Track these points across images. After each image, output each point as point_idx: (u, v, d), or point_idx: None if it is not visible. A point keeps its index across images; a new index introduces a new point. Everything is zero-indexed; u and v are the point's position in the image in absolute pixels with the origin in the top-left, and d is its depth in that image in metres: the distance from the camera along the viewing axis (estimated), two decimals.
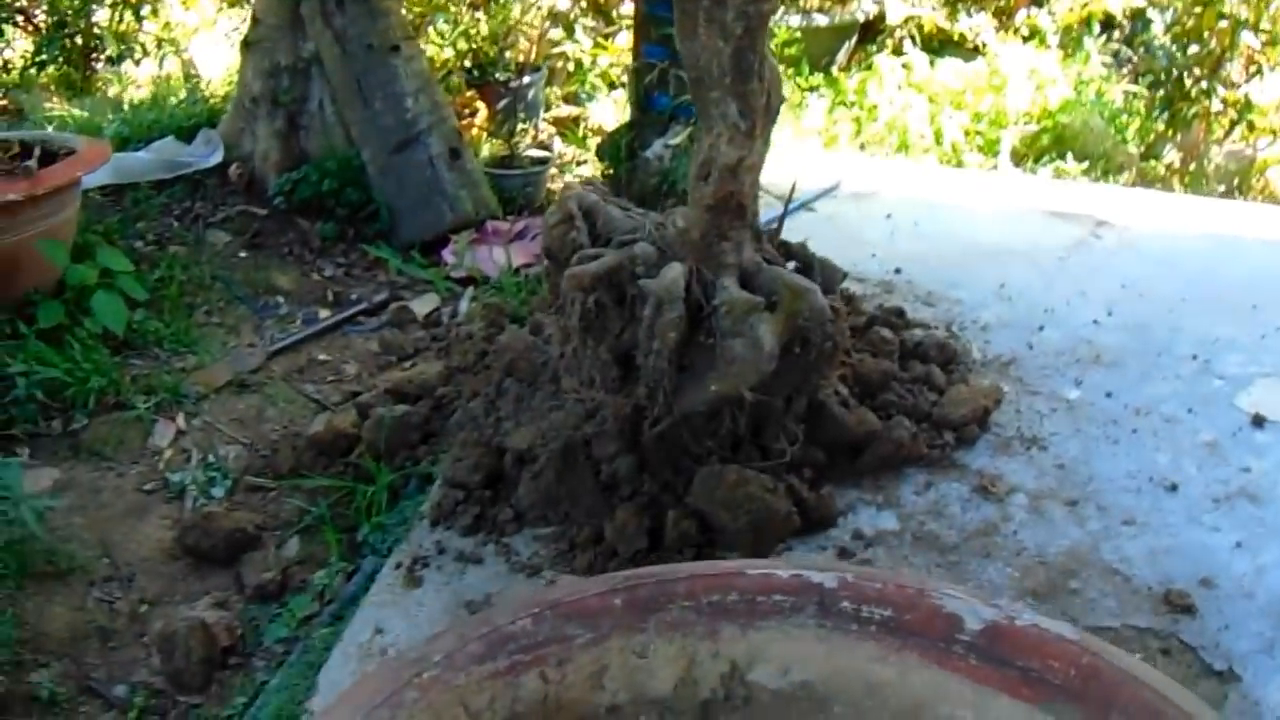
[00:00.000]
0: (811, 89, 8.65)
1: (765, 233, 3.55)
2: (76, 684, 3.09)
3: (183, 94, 8.09)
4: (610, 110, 7.71)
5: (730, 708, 1.74)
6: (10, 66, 7.47)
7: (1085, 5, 8.69)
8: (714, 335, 3.12)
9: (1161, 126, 7.56)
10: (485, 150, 6.61)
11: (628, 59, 6.65)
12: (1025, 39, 8.84)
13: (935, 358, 4.03)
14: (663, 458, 3.31)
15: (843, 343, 3.43)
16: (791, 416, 3.37)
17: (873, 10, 9.26)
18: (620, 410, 3.21)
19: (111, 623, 3.30)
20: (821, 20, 8.97)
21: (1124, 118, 7.81)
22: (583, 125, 7.50)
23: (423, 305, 5.04)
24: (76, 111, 7.53)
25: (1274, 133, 7.54)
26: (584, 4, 8.59)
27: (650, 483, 3.30)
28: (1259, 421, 3.85)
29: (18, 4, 7.92)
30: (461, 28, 7.58)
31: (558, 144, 7.24)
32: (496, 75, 7.08)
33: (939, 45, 9.11)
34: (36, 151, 4.42)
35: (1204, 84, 7.40)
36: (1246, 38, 7.39)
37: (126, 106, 8.03)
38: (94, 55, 8.60)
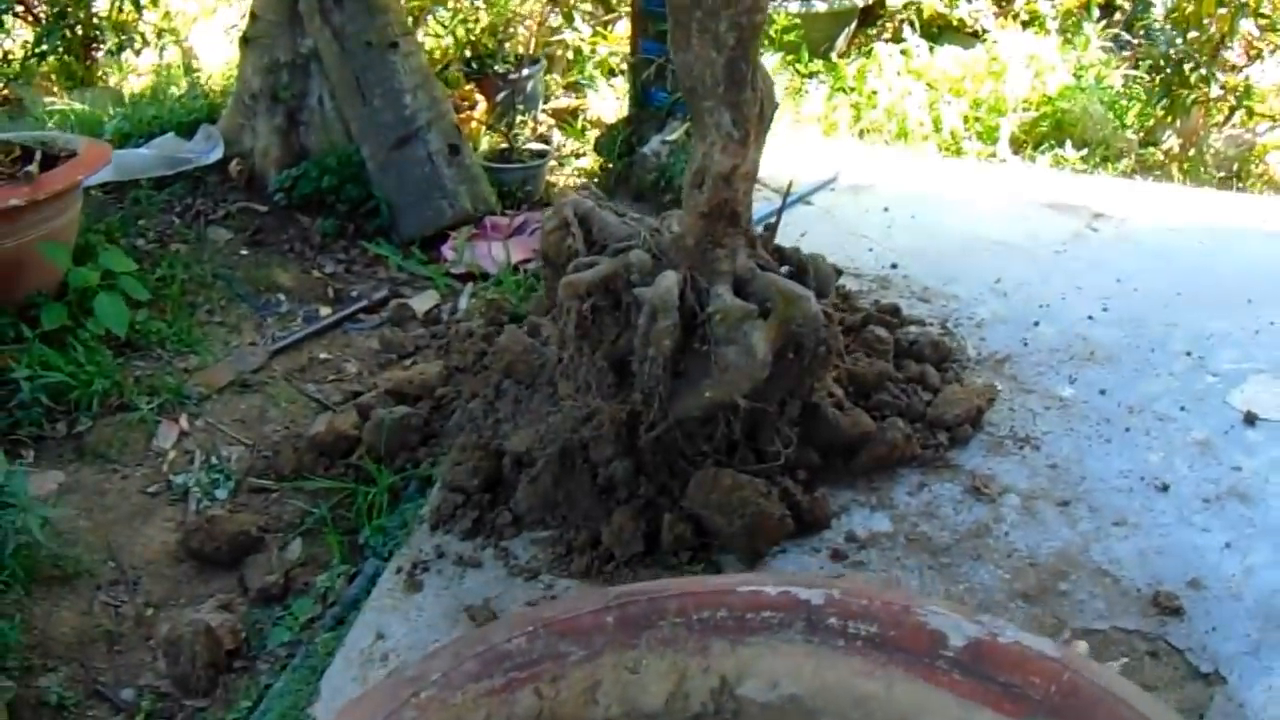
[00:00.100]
0: (811, 75, 8.64)
1: (760, 237, 3.59)
2: (84, 688, 3.14)
3: (183, 84, 8.11)
4: (610, 99, 7.72)
5: None
6: (11, 57, 7.48)
7: None
8: (708, 342, 3.16)
9: (1161, 113, 7.55)
10: (484, 143, 6.63)
11: (627, 47, 6.66)
12: (1025, 24, 8.84)
13: (930, 356, 4.07)
14: (659, 461, 3.35)
15: (836, 347, 3.47)
16: (786, 420, 3.42)
17: None
18: (616, 416, 3.25)
19: (118, 626, 3.35)
20: (821, 6, 8.94)
21: (1124, 103, 7.81)
22: (582, 117, 7.51)
23: (423, 302, 5.08)
24: (77, 105, 7.54)
25: (1274, 118, 7.55)
26: None
27: (647, 486, 3.34)
28: (1251, 419, 3.88)
29: None
30: (460, 16, 7.60)
31: (556, 136, 7.26)
32: (495, 68, 7.08)
33: (938, 30, 9.11)
34: (38, 155, 4.44)
35: (1203, 70, 7.39)
36: (1246, 25, 7.39)
37: (127, 97, 8.05)
38: (94, 45, 8.62)
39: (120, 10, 7.83)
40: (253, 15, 5.91)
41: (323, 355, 4.73)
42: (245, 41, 5.96)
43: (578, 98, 7.99)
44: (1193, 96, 7.33)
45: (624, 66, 7.24)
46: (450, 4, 7.62)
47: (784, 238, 4.67)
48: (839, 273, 4.48)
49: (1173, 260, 5.12)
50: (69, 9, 7.71)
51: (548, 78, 7.98)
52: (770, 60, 8.29)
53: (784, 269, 3.58)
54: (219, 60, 8.64)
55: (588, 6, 8.60)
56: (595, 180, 6.46)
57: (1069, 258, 5.18)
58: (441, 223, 5.60)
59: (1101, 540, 3.30)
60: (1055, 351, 4.33)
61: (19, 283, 4.35)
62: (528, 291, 4.85)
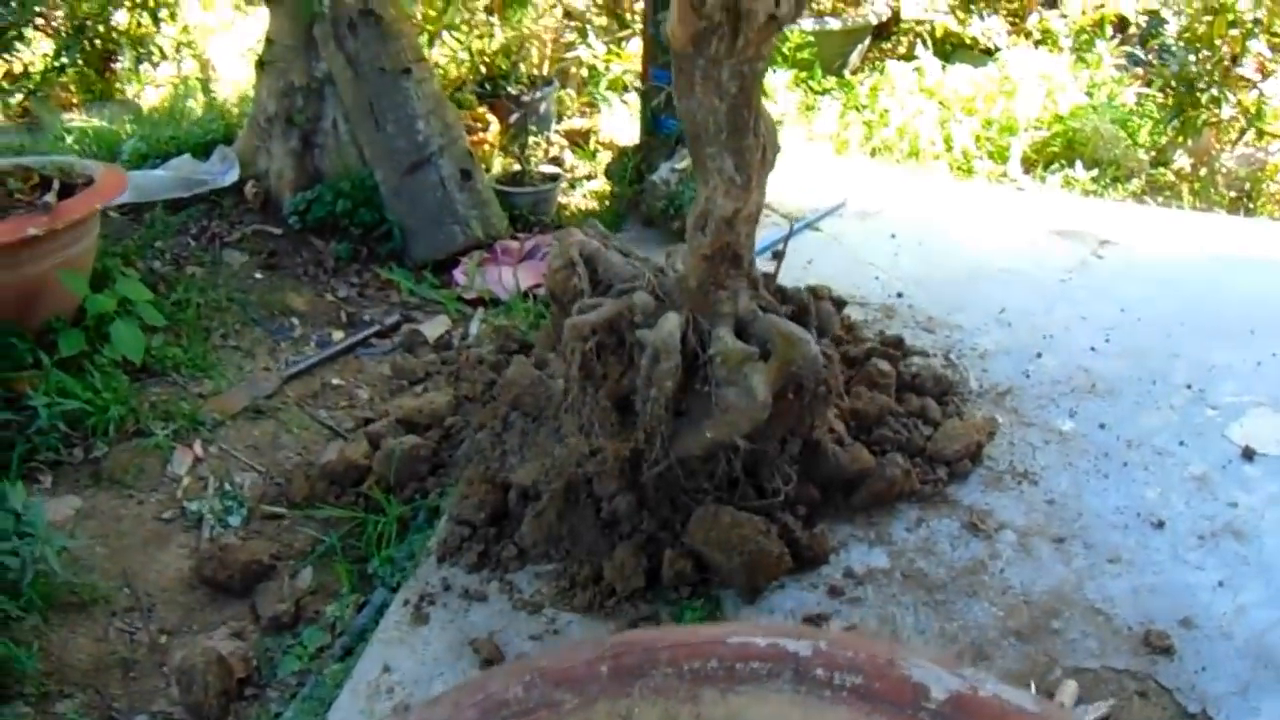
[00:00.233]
0: (824, 92, 8.71)
1: (763, 275, 3.65)
2: (100, 714, 3.21)
3: (200, 98, 8.21)
4: (624, 117, 7.77)
5: None
6: (30, 70, 7.58)
7: (1099, 7, 8.73)
8: (710, 383, 3.23)
9: (1172, 133, 7.58)
10: (497, 166, 6.69)
11: (639, 66, 6.72)
12: (1038, 42, 8.88)
13: (931, 390, 4.12)
14: (661, 497, 3.42)
15: (836, 386, 3.53)
16: (786, 457, 3.48)
17: (885, 13, 9.31)
18: (619, 454, 3.31)
19: (132, 653, 3.42)
20: (834, 23, 9.01)
21: (1136, 121, 7.84)
22: (593, 139, 7.57)
23: (434, 327, 5.15)
24: (95, 121, 7.64)
25: None
26: (598, 3, 8.67)
27: (649, 521, 3.41)
28: (1249, 454, 3.93)
29: (38, 8, 8.01)
30: (476, 31, 7.66)
31: (569, 157, 7.32)
32: (508, 89, 7.15)
33: (951, 48, 9.16)
34: (55, 185, 4.51)
35: (1214, 91, 7.42)
36: (1257, 45, 7.41)
37: (145, 110, 8.15)
38: (113, 58, 8.72)
39: (139, 24, 7.93)
40: (268, 40, 5.98)
41: (335, 381, 4.79)
42: (261, 65, 6.03)
43: (590, 118, 8.05)
44: (1204, 117, 7.36)
45: (638, 83, 7.31)
46: (464, 25, 7.68)
47: (792, 265, 4.76)
48: (843, 304, 4.54)
49: (1177, 288, 5.16)
50: (88, 23, 7.80)
51: (562, 93, 8.04)
52: (783, 77, 8.35)
53: (786, 308, 3.63)
54: (237, 72, 8.73)
55: (602, 21, 8.68)
56: (606, 205, 6.52)
57: (1074, 286, 5.23)
58: (453, 248, 5.68)
59: (1095, 578, 3.35)
60: (1057, 383, 4.38)
61: (37, 309, 4.42)
62: (537, 319, 4.92)
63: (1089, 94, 7.92)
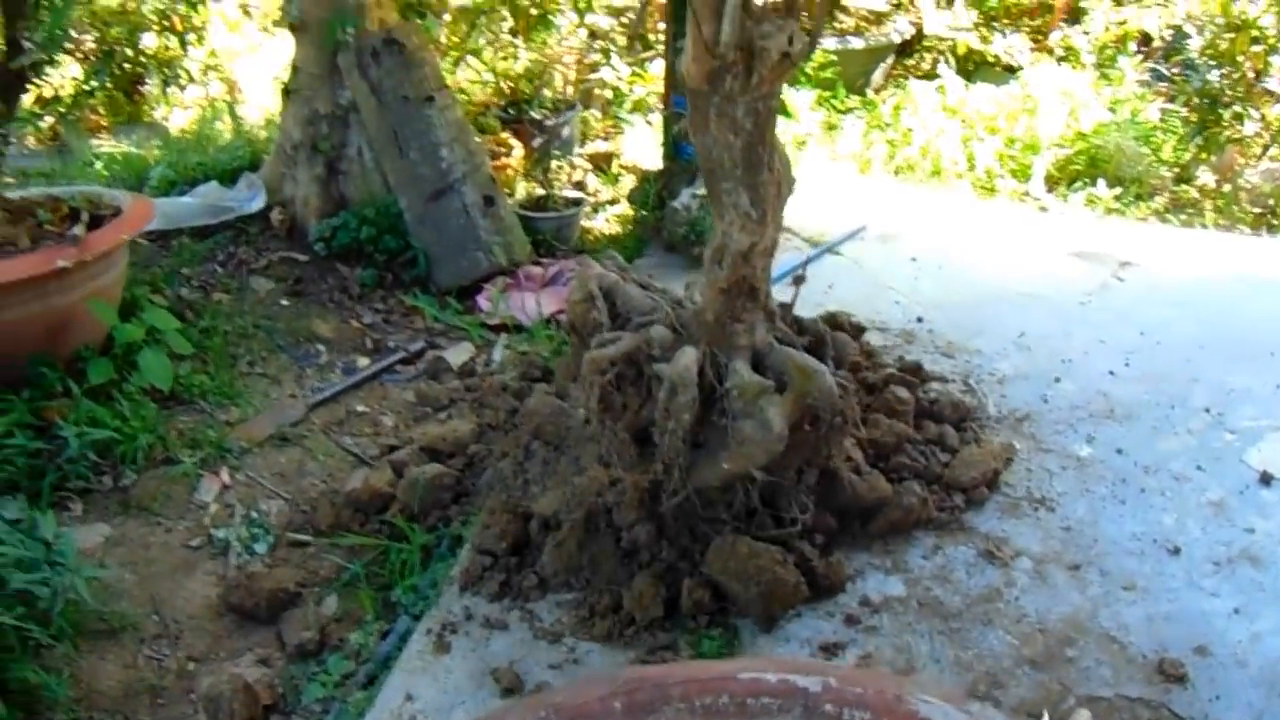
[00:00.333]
0: (847, 111, 8.75)
1: (780, 306, 3.69)
2: None
3: (227, 120, 8.31)
4: (647, 139, 7.81)
5: None
6: (61, 94, 7.70)
7: (1122, 24, 8.74)
8: (727, 415, 3.27)
9: (1195, 149, 7.59)
10: (520, 191, 6.76)
11: (662, 88, 6.78)
12: (1060, 59, 8.90)
13: (949, 417, 4.15)
14: (680, 526, 3.46)
15: (852, 417, 3.56)
16: (803, 487, 3.52)
17: (908, 31, 9.35)
18: (639, 484, 3.35)
19: (160, 680, 3.47)
20: (857, 43, 9.05)
21: (1159, 136, 7.85)
22: (616, 162, 7.62)
23: (458, 354, 5.20)
24: (124, 147, 7.74)
25: None
26: (622, 22, 8.74)
27: (669, 550, 3.45)
28: (1266, 480, 3.94)
29: (66, 44, 8.13)
30: (501, 53, 7.74)
31: (592, 180, 7.37)
32: (532, 114, 7.22)
33: (974, 66, 9.19)
34: (84, 217, 4.59)
35: (1237, 107, 7.42)
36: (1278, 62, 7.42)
37: (173, 133, 8.25)
38: (141, 81, 8.86)
39: (166, 48, 8.05)
40: (294, 67, 6.07)
41: (360, 408, 4.85)
42: (286, 93, 6.12)
43: (613, 141, 8.11)
44: (1227, 133, 7.36)
45: (661, 105, 7.37)
46: (489, 46, 7.76)
47: (813, 290, 4.81)
48: (862, 330, 4.58)
49: (1197, 311, 5.18)
50: (116, 47, 7.92)
51: (586, 114, 8.10)
52: (807, 97, 8.39)
53: (803, 339, 3.67)
54: (264, 94, 8.83)
55: (623, 40, 8.74)
56: (628, 229, 6.57)
57: (1094, 309, 5.25)
58: (477, 274, 5.74)
59: (1110, 605, 3.37)
60: (1075, 409, 4.40)
61: (67, 338, 4.49)
62: (560, 344, 4.97)
63: (1112, 110, 7.93)
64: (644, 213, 6.35)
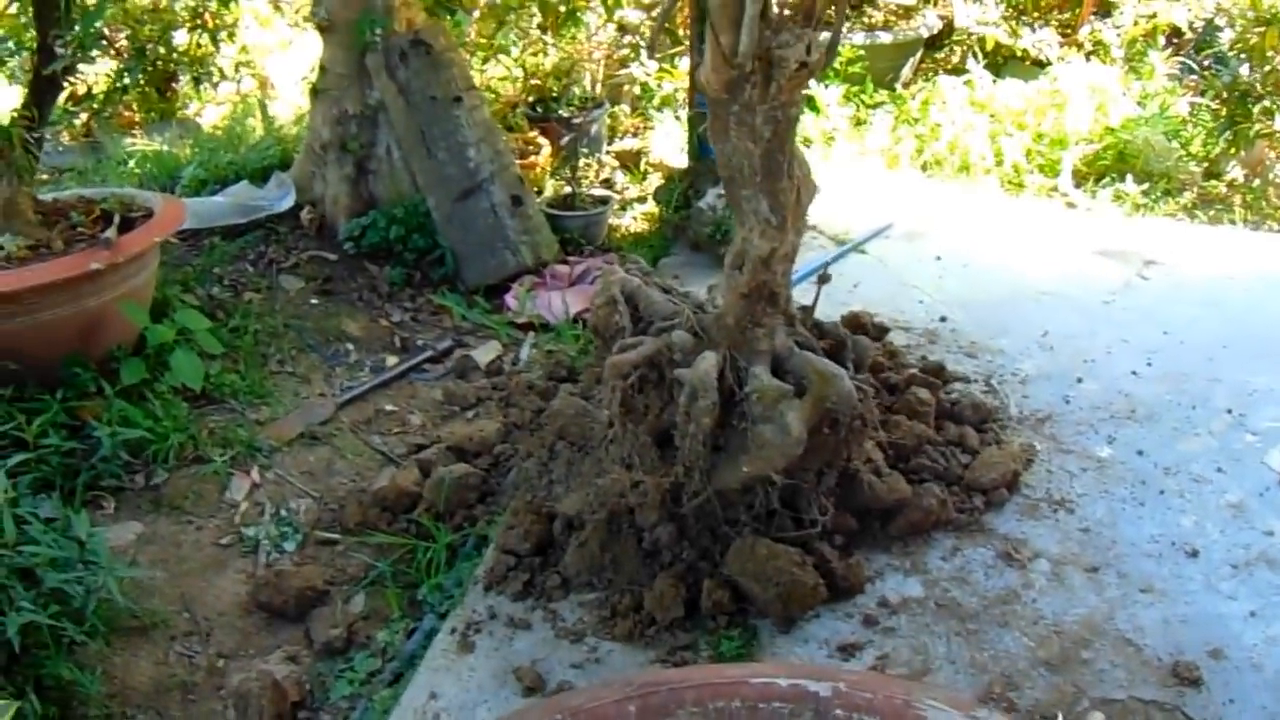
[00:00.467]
0: (875, 106, 8.76)
1: (800, 309, 3.72)
2: None
3: (258, 116, 8.38)
4: (675, 136, 7.83)
5: None
6: (94, 91, 7.77)
7: (1152, 17, 8.71)
8: (746, 419, 3.31)
9: (1224, 144, 7.56)
10: (548, 189, 6.81)
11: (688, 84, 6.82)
12: (1089, 54, 8.87)
13: (970, 418, 4.18)
14: (701, 527, 3.51)
15: (871, 420, 3.59)
16: (823, 488, 3.55)
17: (936, 25, 9.34)
18: (660, 486, 3.40)
19: (191, 676, 3.53)
20: (885, 37, 9.06)
21: (1188, 131, 7.83)
22: (644, 160, 7.66)
23: (485, 353, 5.26)
24: (156, 145, 7.82)
25: None
26: (653, 16, 8.76)
27: (689, 550, 3.50)
28: None
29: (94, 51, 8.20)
30: (531, 50, 7.78)
31: (620, 178, 7.41)
32: (560, 112, 7.26)
33: (1003, 61, 9.18)
34: (116, 219, 4.66)
35: (1267, 102, 7.39)
36: None
37: (205, 130, 8.33)
38: (173, 78, 8.94)
39: (198, 45, 8.12)
40: (322, 67, 6.12)
41: (388, 407, 4.91)
42: (315, 93, 6.18)
43: (642, 138, 8.14)
44: (1257, 128, 7.33)
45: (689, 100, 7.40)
46: (518, 42, 7.80)
47: (838, 289, 4.84)
48: (885, 332, 4.61)
49: (1221, 310, 5.18)
50: (149, 45, 7.99)
51: (615, 110, 8.14)
52: (835, 92, 8.41)
53: (823, 343, 3.71)
54: (295, 90, 8.90)
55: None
56: (655, 228, 6.61)
57: (1118, 308, 5.26)
58: (504, 273, 5.80)
59: (1127, 608, 3.39)
60: (1096, 409, 4.42)
61: (99, 339, 4.56)
62: (587, 344, 5.02)
63: (1141, 105, 7.91)
64: (669, 213, 6.38)
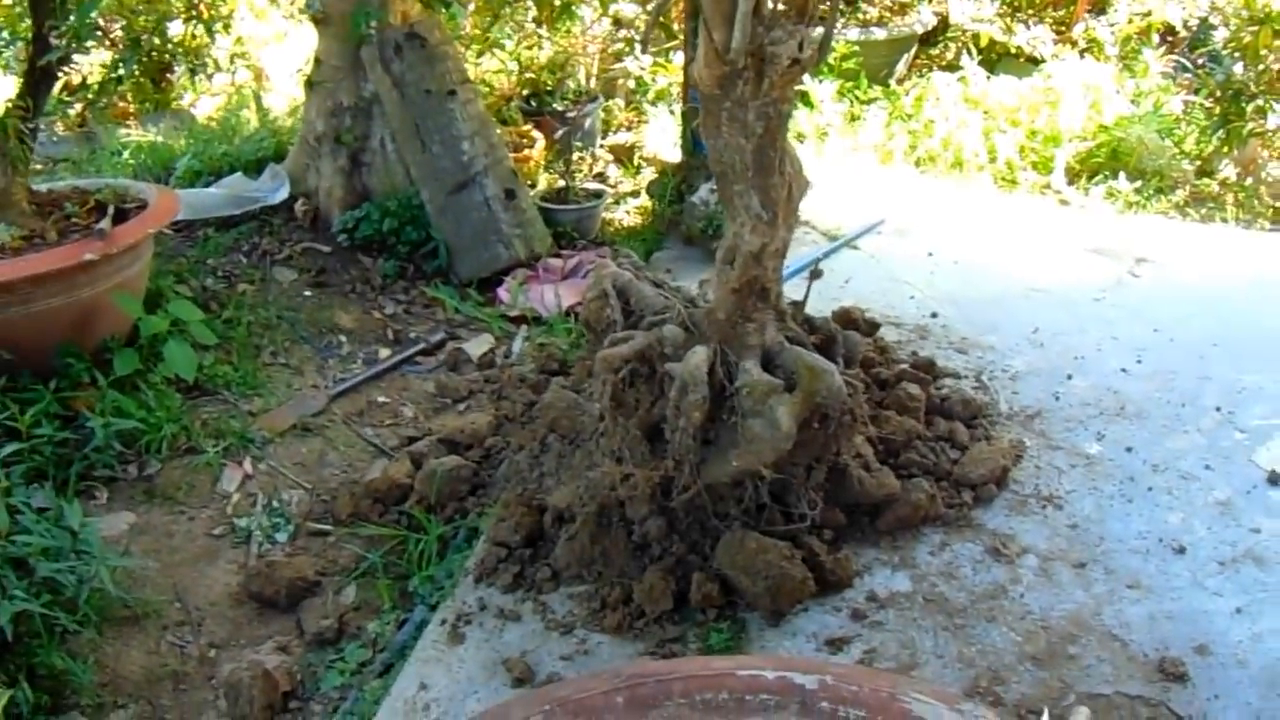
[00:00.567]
0: (869, 102, 8.76)
1: (791, 305, 3.74)
2: None
3: (253, 107, 8.37)
4: (669, 130, 7.84)
5: None
6: (89, 82, 7.76)
7: (1146, 15, 8.72)
8: (736, 414, 3.33)
9: (1217, 143, 7.57)
10: (542, 183, 6.82)
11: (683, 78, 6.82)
12: (1083, 51, 8.89)
13: (960, 414, 4.19)
14: (691, 520, 3.53)
15: (861, 415, 3.61)
16: (812, 483, 3.57)
17: (931, 22, 9.35)
18: (650, 480, 3.41)
19: (183, 666, 3.55)
20: (879, 33, 9.06)
21: (1181, 129, 7.85)
22: (638, 154, 7.66)
23: (478, 345, 5.27)
24: (151, 135, 7.82)
25: None
26: (647, 10, 8.76)
27: (679, 544, 3.51)
28: (1274, 479, 3.96)
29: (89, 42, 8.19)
30: (525, 42, 7.78)
31: (613, 171, 7.42)
32: (554, 106, 7.27)
33: (997, 58, 9.19)
34: (110, 210, 4.67)
35: (1260, 101, 7.40)
36: None
37: (200, 121, 8.33)
38: (168, 69, 8.94)
39: (193, 36, 8.11)
40: (317, 60, 6.13)
41: (381, 398, 4.93)
42: (310, 85, 6.18)
43: (635, 131, 8.14)
44: (1250, 127, 7.35)
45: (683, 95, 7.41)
46: (512, 35, 7.80)
47: (830, 284, 4.86)
48: (876, 327, 4.63)
49: (1212, 308, 5.20)
50: (144, 36, 7.98)
51: (610, 104, 8.14)
52: (829, 88, 8.42)
53: (814, 338, 3.72)
54: (290, 82, 8.89)
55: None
56: (648, 222, 6.63)
57: (1108, 305, 5.28)
58: (497, 266, 5.81)
59: (1114, 603, 3.41)
60: (1086, 406, 4.44)
61: (93, 329, 4.57)
62: (579, 337, 5.03)
63: (1134, 103, 7.93)
64: (662, 207, 6.39)
